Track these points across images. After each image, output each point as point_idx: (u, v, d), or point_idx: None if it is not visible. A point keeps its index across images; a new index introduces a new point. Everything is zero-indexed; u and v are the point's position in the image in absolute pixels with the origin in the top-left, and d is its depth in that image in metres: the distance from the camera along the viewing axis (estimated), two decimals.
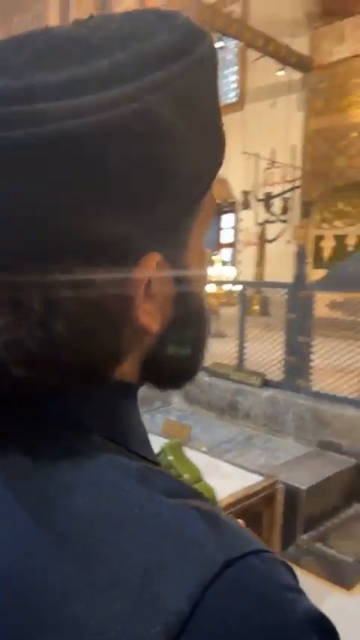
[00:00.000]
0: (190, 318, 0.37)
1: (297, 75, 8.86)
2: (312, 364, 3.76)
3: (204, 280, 0.40)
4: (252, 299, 4.62)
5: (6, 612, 0.27)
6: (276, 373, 3.98)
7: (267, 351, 4.06)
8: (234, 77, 11.60)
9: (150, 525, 0.27)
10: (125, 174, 0.29)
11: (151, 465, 0.34)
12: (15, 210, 0.28)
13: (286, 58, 8.51)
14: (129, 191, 0.30)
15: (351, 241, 6.33)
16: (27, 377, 0.31)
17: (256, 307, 5.13)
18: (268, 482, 2.81)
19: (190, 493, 0.31)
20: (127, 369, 0.36)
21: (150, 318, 0.34)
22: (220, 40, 8.40)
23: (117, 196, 0.30)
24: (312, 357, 3.74)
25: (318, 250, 6.40)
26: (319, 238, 6.63)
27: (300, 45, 8.75)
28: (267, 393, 3.86)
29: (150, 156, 0.30)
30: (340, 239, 6.41)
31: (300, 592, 0.27)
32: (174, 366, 0.39)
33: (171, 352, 0.37)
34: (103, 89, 0.28)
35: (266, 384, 3.94)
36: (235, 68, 11.53)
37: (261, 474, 2.93)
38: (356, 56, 8.28)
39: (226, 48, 10.12)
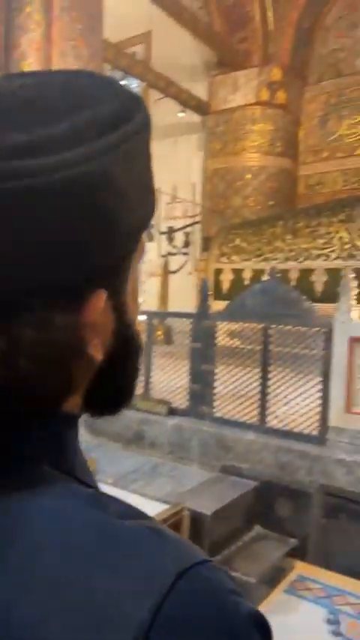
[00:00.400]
0: (128, 348, 0.41)
1: (197, 117, 9.40)
2: (215, 391, 3.91)
3: (137, 314, 0.44)
4: (156, 328, 4.72)
5: None
6: (181, 401, 4.07)
7: (172, 380, 4.14)
8: None
9: (109, 548, 0.31)
10: (81, 223, 0.33)
11: (97, 491, 0.37)
12: None
13: (186, 101, 9.02)
14: (83, 238, 0.33)
15: (247, 275, 6.74)
16: None
17: (161, 336, 5.24)
18: (174, 510, 2.86)
19: (138, 513, 0.34)
20: (72, 401, 0.39)
21: (97, 350, 0.37)
22: (123, 78, 8.67)
23: (74, 243, 0.33)
24: (215, 384, 3.89)
25: (218, 283, 6.72)
26: (219, 271, 6.97)
27: (199, 90, 9.33)
28: (172, 421, 3.93)
29: (102, 207, 0.34)
30: (237, 272, 6.80)
31: (240, 595, 0.31)
32: (115, 393, 0.43)
33: (113, 381, 0.41)
34: (65, 150, 0.32)
35: (172, 412, 4.02)
36: None
37: (167, 502, 2.97)
38: (248, 105, 9.02)
39: (130, 86, 10.47)
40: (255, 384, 3.72)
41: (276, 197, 8.90)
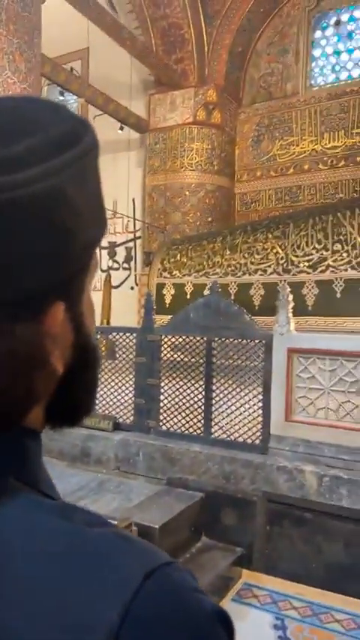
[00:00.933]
0: (87, 358, 0.43)
1: (136, 134, 9.51)
2: (160, 405, 3.93)
3: (94, 325, 0.46)
4: (99, 343, 4.68)
5: None
6: (126, 416, 4.06)
7: (117, 395, 4.13)
8: None
9: (79, 554, 0.32)
10: (39, 238, 0.35)
11: (62, 502, 0.39)
12: None
13: (125, 118, 9.11)
14: (42, 252, 0.35)
15: (188, 290, 6.86)
16: None
17: (104, 351, 5.21)
18: (122, 525, 2.84)
19: (102, 521, 0.36)
20: (34, 415, 0.40)
21: (58, 361, 0.39)
22: (61, 94, 8.65)
23: (34, 256, 0.35)
24: (160, 398, 3.91)
25: (160, 297, 6.79)
26: (161, 286, 7.05)
27: (137, 108, 9.47)
28: (118, 436, 3.91)
29: (59, 223, 0.36)
30: (179, 287, 6.90)
31: (204, 593, 0.33)
32: (76, 404, 0.44)
33: (73, 393, 0.42)
34: (21, 170, 0.33)
35: (117, 427, 4.00)
36: None
37: (114, 519, 2.95)
38: (186, 124, 9.26)
39: (67, 102, 10.44)
40: (199, 397, 3.78)
41: (214, 214, 9.15)
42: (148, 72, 9.36)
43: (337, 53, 9.26)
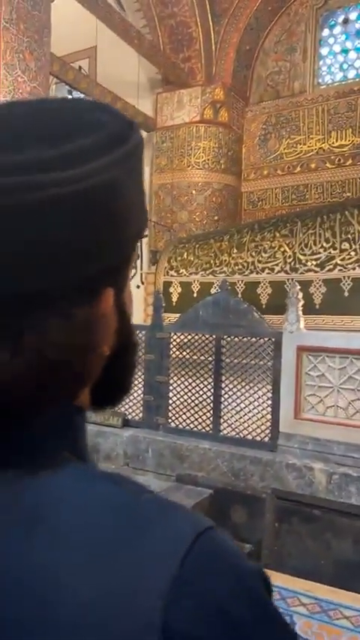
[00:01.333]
0: (128, 343, 0.45)
1: (143, 133, 9.52)
2: (169, 402, 3.95)
3: (132, 313, 0.48)
4: None
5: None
6: (136, 412, 4.08)
7: None
8: None
9: (132, 517, 0.35)
10: (97, 227, 0.37)
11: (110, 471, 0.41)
12: (13, 260, 0.35)
13: (132, 116, 9.07)
14: (99, 240, 0.38)
15: (195, 288, 6.87)
16: (19, 397, 0.37)
17: None
18: None
19: (150, 490, 0.39)
20: (83, 395, 0.43)
21: (106, 344, 0.42)
22: (69, 93, 8.67)
23: (92, 245, 0.37)
24: (169, 395, 3.94)
25: (167, 295, 6.80)
26: (168, 284, 7.06)
27: (145, 106, 9.48)
28: (128, 432, 3.94)
29: (114, 214, 0.38)
30: (185, 286, 6.91)
31: (244, 553, 0.37)
32: (117, 386, 0.47)
33: (115, 375, 0.45)
34: (82, 164, 0.36)
35: (126, 423, 4.02)
36: None
37: None
38: (193, 122, 9.27)
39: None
40: (208, 394, 3.80)
41: (220, 212, 9.16)
42: (155, 70, 9.37)
43: (345, 51, 9.23)
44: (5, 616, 0.32)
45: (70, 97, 8.66)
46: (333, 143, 8.99)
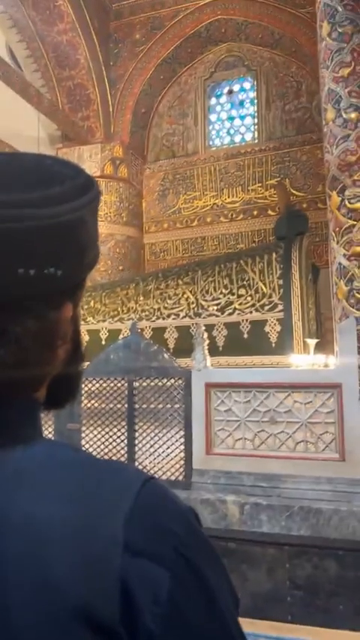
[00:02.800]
0: (78, 352, 0.56)
1: None
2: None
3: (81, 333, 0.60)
4: None
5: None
6: None
7: None
8: None
9: (92, 469, 0.46)
10: (68, 252, 0.48)
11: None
12: (4, 274, 0.45)
13: None
14: (69, 262, 0.48)
15: (103, 336, 6.93)
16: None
17: None
18: None
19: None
20: (41, 392, 0.53)
21: (64, 345, 0.53)
22: None
23: (63, 265, 0.48)
24: (82, 442, 3.89)
25: None
26: None
27: None
28: None
29: (80, 242, 0.49)
30: (94, 333, 6.95)
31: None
32: (67, 388, 0.57)
33: (66, 380, 0.56)
34: (60, 204, 0.47)
35: None
36: None
37: None
38: (94, 177, 9.57)
39: None
40: (122, 437, 3.82)
41: (125, 262, 9.42)
42: (55, 127, 9.64)
43: (231, 119, 10.22)
44: (4, 545, 0.42)
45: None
46: (225, 199, 9.76)
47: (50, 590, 0.39)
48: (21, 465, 0.45)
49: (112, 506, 0.43)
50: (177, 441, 3.69)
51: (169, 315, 6.75)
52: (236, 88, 10.19)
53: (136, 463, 3.81)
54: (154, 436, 3.78)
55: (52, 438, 4.04)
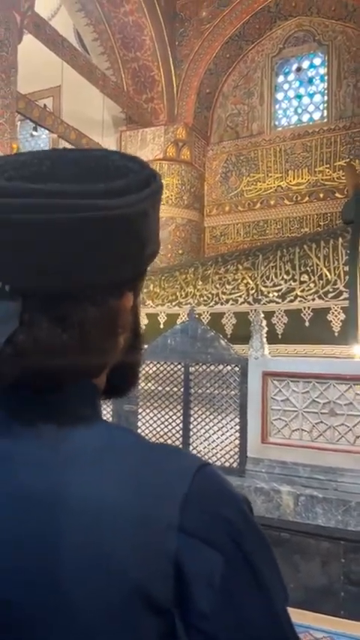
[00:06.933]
0: (138, 341, 0.57)
1: None
2: (138, 431, 3.97)
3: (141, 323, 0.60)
4: None
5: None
6: None
7: None
8: None
9: (155, 454, 0.48)
10: (129, 243, 0.49)
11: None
12: (73, 262, 0.46)
13: None
14: (129, 253, 0.50)
15: (161, 319, 6.98)
16: (60, 370, 0.48)
17: None
18: None
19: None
20: (102, 378, 0.54)
21: (124, 334, 0.53)
22: (34, 129, 8.83)
23: (124, 255, 0.49)
24: (138, 424, 3.96)
25: None
26: None
27: (109, 143, 9.73)
28: None
29: (141, 234, 0.51)
30: (152, 317, 7.01)
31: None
32: (126, 377, 0.58)
33: (126, 366, 0.56)
34: (123, 196, 0.48)
35: None
36: None
37: None
38: (156, 160, 9.58)
39: (39, 136, 10.66)
40: (177, 422, 3.85)
41: (184, 246, 9.39)
42: (119, 110, 9.68)
43: (299, 97, 9.83)
44: (60, 527, 0.43)
45: (35, 133, 8.85)
46: (290, 181, 9.45)
47: (107, 571, 0.41)
48: (79, 447, 0.47)
49: (168, 491, 0.44)
50: (232, 428, 3.66)
51: (227, 301, 6.67)
52: (305, 64, 9.76)
53: (191, 448, 3.83)
54: (209, 422, 3.78)
55: (111, 420, 4.17)
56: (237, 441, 3.65)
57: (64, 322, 0.47)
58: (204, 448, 3.81)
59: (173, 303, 7.02)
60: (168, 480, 0.45)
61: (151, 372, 3.90)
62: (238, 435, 3.63)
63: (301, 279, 6.37)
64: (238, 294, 6.69)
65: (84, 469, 0.45)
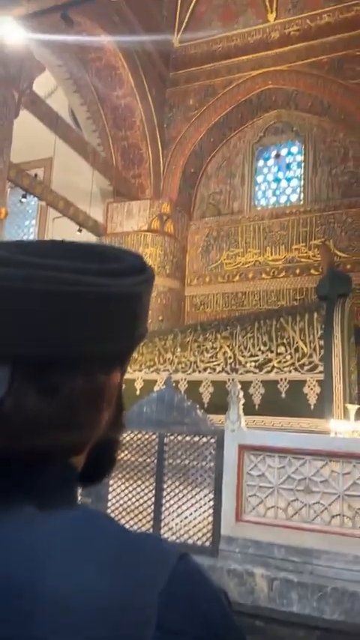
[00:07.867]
0: (121, 420, 0.57)
1: (93, 237, 10.02)
2: (109, 504, 3.81)
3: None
4: None
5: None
6: None
7: None
8: (33, 229, 12.48)
9: (133, 541, 0.46)
10: (122, 321, 0.50)
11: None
12: (67, 332, 0.48)
13: (83, 221, 9.65)
14: (120, 330, 0.51)
15: (139, 385, 6.91)
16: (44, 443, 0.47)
17: None
18: None
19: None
20: (79, 459, 0.52)
21: (108, 410, 0.53)
22: (23, 197, 9.11)
23: (116, 332, 0.50)
24: (108, 497, 3.80)
25: None
26: None
27: (96, 213, 10.07)
28: None
29: (134, 314, 0.53)
30: (129, 383, 6.93)
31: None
32: (105, 456, 0.56)
33: (106, 444, 0.55)
34: (117, 277, 0.51)
35: None
36: (34, 221, 12.47)
37: None
38: (141, 231, 9.91)
39: (28, 203, 10.98)
40: (149, 495, 3.71)
41: (165, 313, 9.52)
42: (107, 182, 10.11)
43: (278, 180, 10.45)
44: (36, 617, 0.41)
45: (23, 199, 9.11)
46: (268, 257, 9.83)
47: None
48: (55, 533, 0.45)
49: (147, 582, 0.43)
50: (205, 504, 3.54)
51: (205, 369, 6.68)
52: (284, 152, 10.47)
53: (162, 524, 3.67)
54: (182, 496, 3.65)
55: (80, 491, 3.95)
56: (210, 518, 3.52)
57: (54, 392, 0.48)
58: (176, 525, 3.65)
59: (151, 369, 6.99)
60: (147, 571, 0.44)
61: (124, 441, 3.80)
62: (211, 511, 3.50)
63: (278, 350, 6.45)
64: (216, 363, 6.72)
65: (59, 557, 0.44)
